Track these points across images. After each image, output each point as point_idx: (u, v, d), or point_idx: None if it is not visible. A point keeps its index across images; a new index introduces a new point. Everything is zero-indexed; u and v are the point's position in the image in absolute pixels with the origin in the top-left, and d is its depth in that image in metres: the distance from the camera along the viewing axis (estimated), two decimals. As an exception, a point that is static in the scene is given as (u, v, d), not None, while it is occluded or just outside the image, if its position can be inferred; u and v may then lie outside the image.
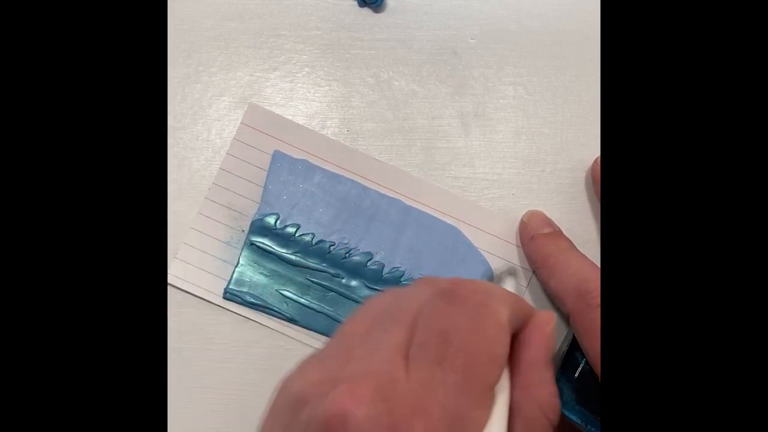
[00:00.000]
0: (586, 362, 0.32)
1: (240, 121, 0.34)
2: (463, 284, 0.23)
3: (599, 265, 0.31)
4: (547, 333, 0.25)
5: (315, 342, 0.33)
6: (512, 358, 0.24)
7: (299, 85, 0.35)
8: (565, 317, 0.32)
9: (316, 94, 0.35)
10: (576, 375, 0.32)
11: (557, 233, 0.33)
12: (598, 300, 0.28)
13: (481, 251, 0.34)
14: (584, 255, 0.32)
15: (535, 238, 0.32)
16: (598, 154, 0.34)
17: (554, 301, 0.32)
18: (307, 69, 0.35)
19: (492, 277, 0.34)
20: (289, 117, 0.34)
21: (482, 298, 0.23)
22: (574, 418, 0.31)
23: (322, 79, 0.35)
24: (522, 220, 0.33)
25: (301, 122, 0.34)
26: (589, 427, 0.31)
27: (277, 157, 0.34)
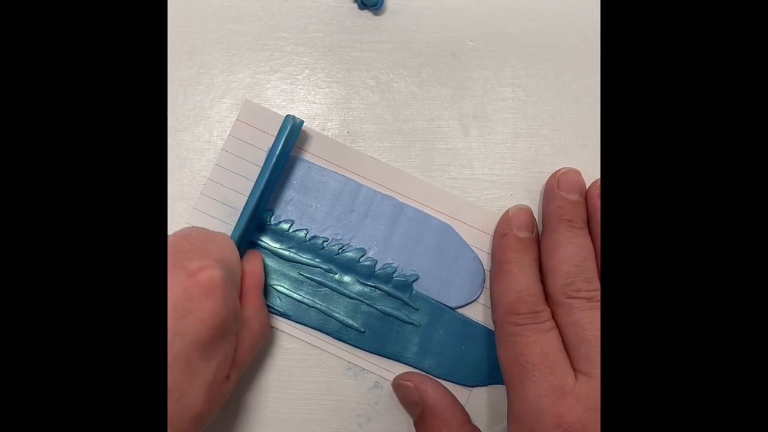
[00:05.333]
0: None
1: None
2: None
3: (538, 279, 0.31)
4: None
5: (313, 339, 0.34)
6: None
7: (300, 87, 0.35)
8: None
9: (317, 96, 0.35)
10: None
11: (529, 242, 0.32)
12: (519, 328, 0.30)
13: (473, 248, 0.34)
14: (538, 272, 0.32)
15: (507, 237, 0.32)
16: (599, 157, 0.34)
17: (490, 302, 0.33)
18: (307, 71, 0.35)
19: (484, 275, 0.34)
20: (290, 119, 0.35)
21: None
22: None
23: (322, 81, 0.35)
24: (507, 212, 0.33)
25: (301, 124, 0.35)
26: None
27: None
